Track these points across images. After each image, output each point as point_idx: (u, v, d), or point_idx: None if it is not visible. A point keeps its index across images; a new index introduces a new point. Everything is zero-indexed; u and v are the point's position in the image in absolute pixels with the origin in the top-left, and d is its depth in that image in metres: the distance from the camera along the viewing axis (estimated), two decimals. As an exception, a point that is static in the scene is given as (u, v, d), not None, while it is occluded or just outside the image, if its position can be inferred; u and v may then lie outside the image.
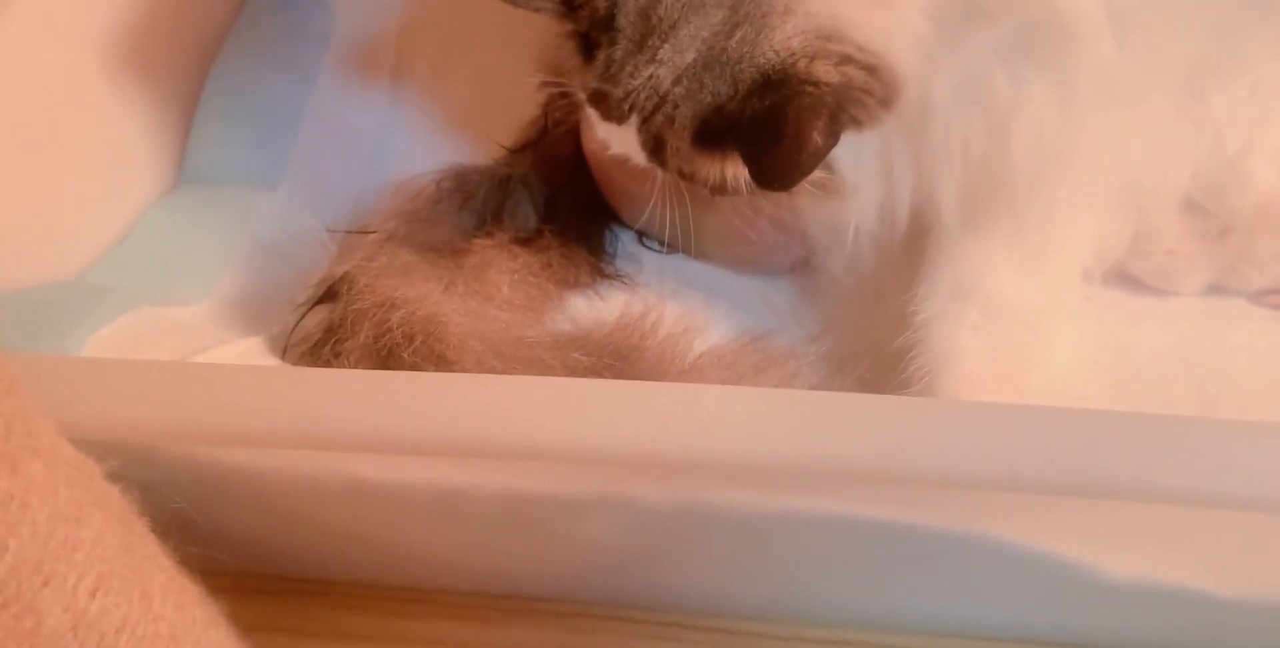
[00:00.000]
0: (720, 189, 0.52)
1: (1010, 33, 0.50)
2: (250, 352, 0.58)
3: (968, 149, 0.54)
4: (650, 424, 0.42)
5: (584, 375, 0.56)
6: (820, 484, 0.44)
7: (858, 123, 0.49)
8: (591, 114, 0.54)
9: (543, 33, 0.70)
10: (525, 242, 0.65)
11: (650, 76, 0.50)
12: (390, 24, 0.76)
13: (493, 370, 0.55)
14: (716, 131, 0.50)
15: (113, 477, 0.41)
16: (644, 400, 0.42)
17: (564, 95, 0.68)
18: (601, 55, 0.52)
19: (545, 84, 0.66)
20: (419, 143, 0.72)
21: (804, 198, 0.56)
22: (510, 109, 0.71)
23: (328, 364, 0.57)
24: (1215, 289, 0.64)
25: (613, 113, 0.52)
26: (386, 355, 0.55)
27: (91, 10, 0.65)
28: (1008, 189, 0.55)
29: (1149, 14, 0.50)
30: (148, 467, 0.42)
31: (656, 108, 0.51)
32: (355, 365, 0.56)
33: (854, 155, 0.54)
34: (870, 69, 0.48)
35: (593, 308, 0.65)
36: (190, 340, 0.57)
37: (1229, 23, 0.52)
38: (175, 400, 0.43)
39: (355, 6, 0.76)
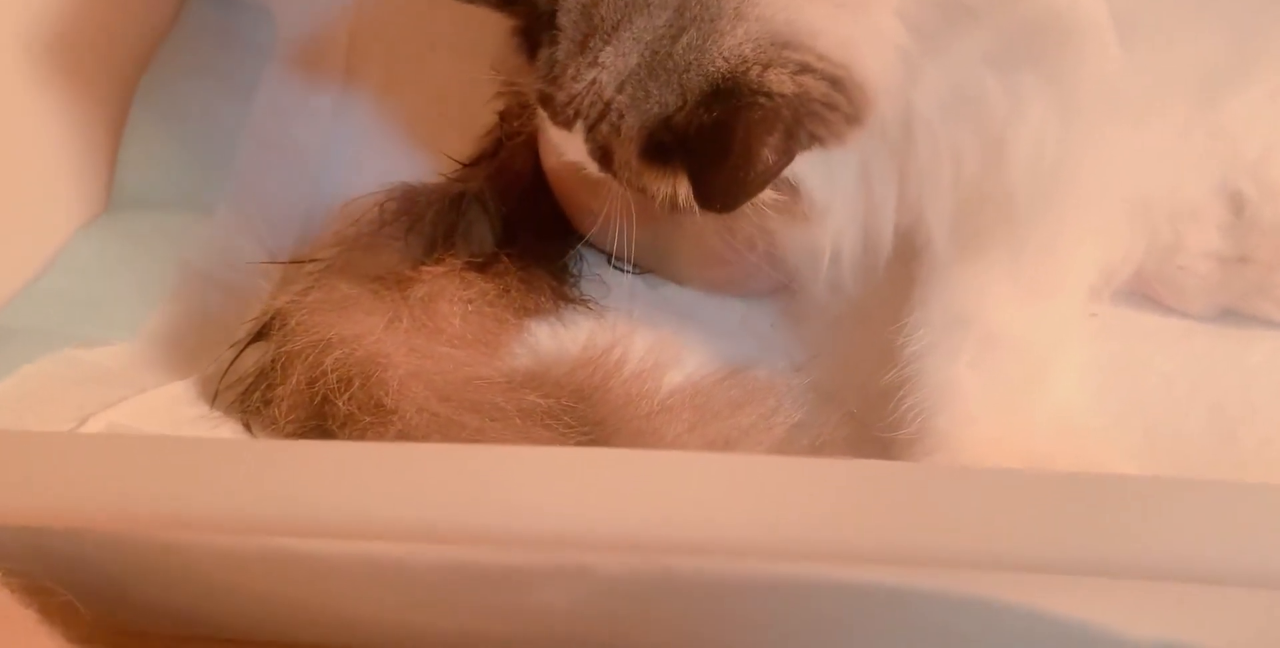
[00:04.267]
0: (674, 207, 0.48)
1: (1002, 37, 0.45)
2: (175, 399, 0.53)
3: (959, 167, 0.49)
4: (610, 499, 0.38)
5: (540, 420, 0.52)
6: (799, 558, 0.40)
7: (818, 140, 0.45)
8: (542, 117, 0.51)
9: (502, 39, 0.65)
10: (480, 267, 0.60)
11: (593, 81, 0.46)
12: (337, 31, 0.72)
13: (437, 418, 0.51)
14: (665, 145, 0.47)
15: (-13, 566, 0.36)
16: (604, 472, 0.39)
17: (521, 105, 0.63)
18: (543, 55, 0.48)
19: (501, 84, 0.62)
20: (369, 159, 0.68)
21: (773, 220, 0.51)
22: (467, 121, 0.67)
23: (257, 412, 0.53)
24: (1229, 314, 0.59)
25: (558, 117, 0.49)
26: (321, 402, 0.51)
27: (6, 16, 0.60)
28: (1006, 210, 0.50)
29: (1158, 14, 0.45)
30: (36, 551, 0.37)
31: (601, 116, 0.47)
32: (286, 414, 0.52)
33: (825, 176, 0.49)
34: (833, 81, 0.44)
35: (555, 337, 0.61)
36: (107, 389, 0.52)
37: (1245, 23, 0.47)
38: (67, 479, 0.39)
39: (298, 13, 0.71)
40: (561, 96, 0.47)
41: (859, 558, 0.38)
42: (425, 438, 0.49)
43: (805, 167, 0.47)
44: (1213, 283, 0.58)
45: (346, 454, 0.41)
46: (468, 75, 0.68)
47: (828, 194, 0.50)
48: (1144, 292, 0.60)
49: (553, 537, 0.38)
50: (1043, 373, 0.54)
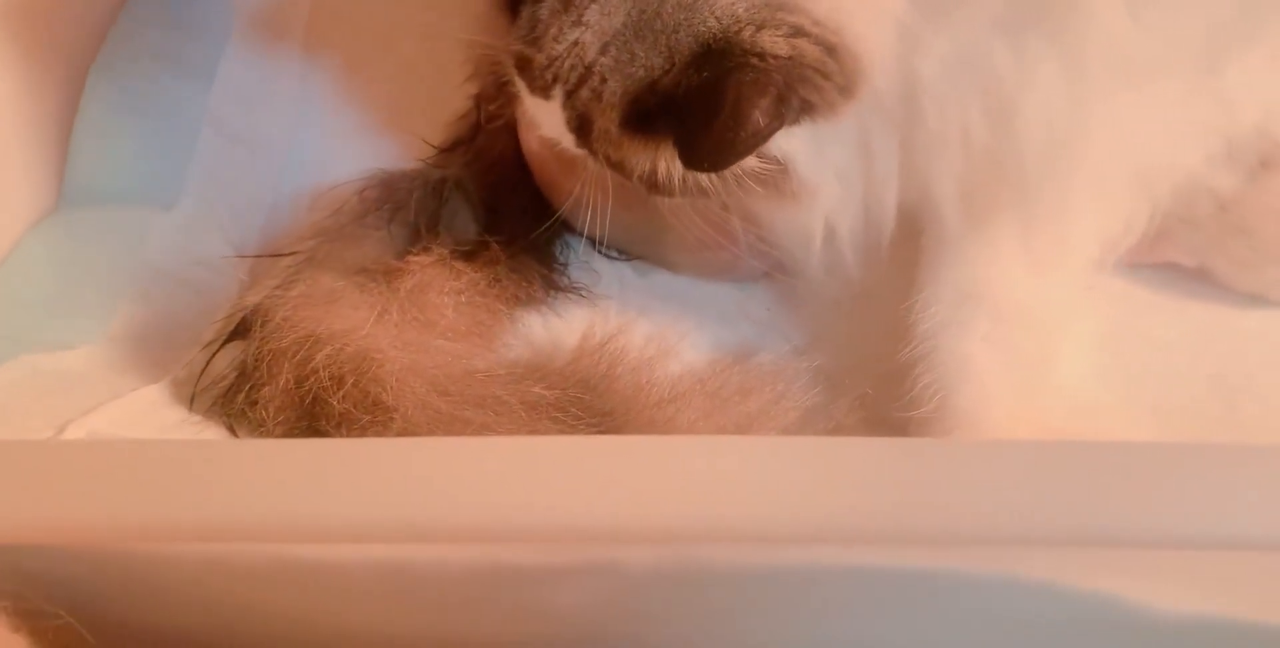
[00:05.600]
0: (652, 184, 0.47)
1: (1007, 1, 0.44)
2: (153, 403, 0.51)
3: (967, 137, 0.47)
4: (637, 488, 0.37)
5: (547, 412, 0.50)
6: (830, 540, 0.38)
7: (809, 108, 0.44)
8: (518, 84, 0.49)
9: (474, 12, 0.62)
10: (468, 256, 0.58)
11: (575, 42, 0.45)
12: (298, 10, 0.69)
13: (439, 414, 0.48)
14: (649, 113, 0.45)
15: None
16: (628, 460, 0.37)
17: (499, 85, 0.61)
18: (525, 13, 0.46)
19: (477, 62, 0.61)
20: (336, 146, 0.65)
21: (759, 200, 0.50)
22: (438, 102, 0.65)
23: (242, 414, 0.50)
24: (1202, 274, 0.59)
25: (536, 83, 0.47)
26: (312, 403, 0.49)
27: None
28: (1016, 180, 0.49)
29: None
30: (24, 572, 0.34)
31: (582, 80, 0.45)
32: (275, 416, 0.49)
33: (815, 154, 0.48)
34: (827, 47, 0.43)
35: (548, 327, 0.59)
36: (79, 395, 0.49)
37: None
38: (54, 491, 0.36)
39: (255, -9, 0.68)
40: (541, 59, 0.46)
41: (890, 539, 0.37)
42: (428, 435, 0.46)
43: (794, 143, 0.46)
44: (1198, 220, 0.58)
45: (354, 451, 0.39)
46: (434, 56, 0.65)
47: (817, 173, 0.49)
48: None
49: (580, 531, 0.37)
50: (1054, 346, 0.53)
